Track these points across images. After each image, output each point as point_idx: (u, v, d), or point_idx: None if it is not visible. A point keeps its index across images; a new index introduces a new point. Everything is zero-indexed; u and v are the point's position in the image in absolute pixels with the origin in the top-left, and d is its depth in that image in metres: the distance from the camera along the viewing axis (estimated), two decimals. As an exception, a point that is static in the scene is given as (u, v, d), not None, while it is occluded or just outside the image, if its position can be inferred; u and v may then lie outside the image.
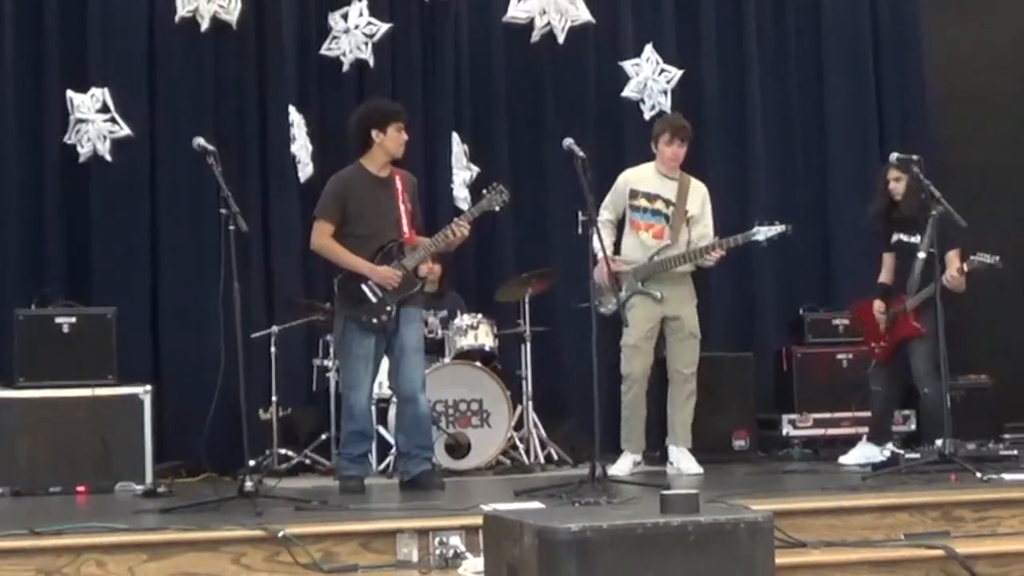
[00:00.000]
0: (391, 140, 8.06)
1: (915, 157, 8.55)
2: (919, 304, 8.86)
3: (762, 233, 8.85)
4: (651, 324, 8.79)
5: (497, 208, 8.45)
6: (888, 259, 9.32)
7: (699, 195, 9.03)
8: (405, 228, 8.10)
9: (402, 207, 8.10)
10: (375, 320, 7.96)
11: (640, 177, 8.96)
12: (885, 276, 9.33)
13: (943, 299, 8.56)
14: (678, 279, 8.88)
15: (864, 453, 9.11)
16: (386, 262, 8.01)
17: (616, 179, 9.09)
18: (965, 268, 8.73)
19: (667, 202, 8.89)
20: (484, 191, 8.43)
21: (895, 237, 9.16)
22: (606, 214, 8.92)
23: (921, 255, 8.64)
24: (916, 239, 8.81)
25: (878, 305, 9.24)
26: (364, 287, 7.96)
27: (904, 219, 8.93)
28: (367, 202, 8.04)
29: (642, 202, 8.87)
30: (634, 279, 8.61)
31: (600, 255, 8.42)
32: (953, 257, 8.84)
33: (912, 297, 8.93)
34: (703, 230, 8.94)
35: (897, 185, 9.06)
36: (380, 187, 8.09)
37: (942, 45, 11.94)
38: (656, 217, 8.89)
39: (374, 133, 8.06)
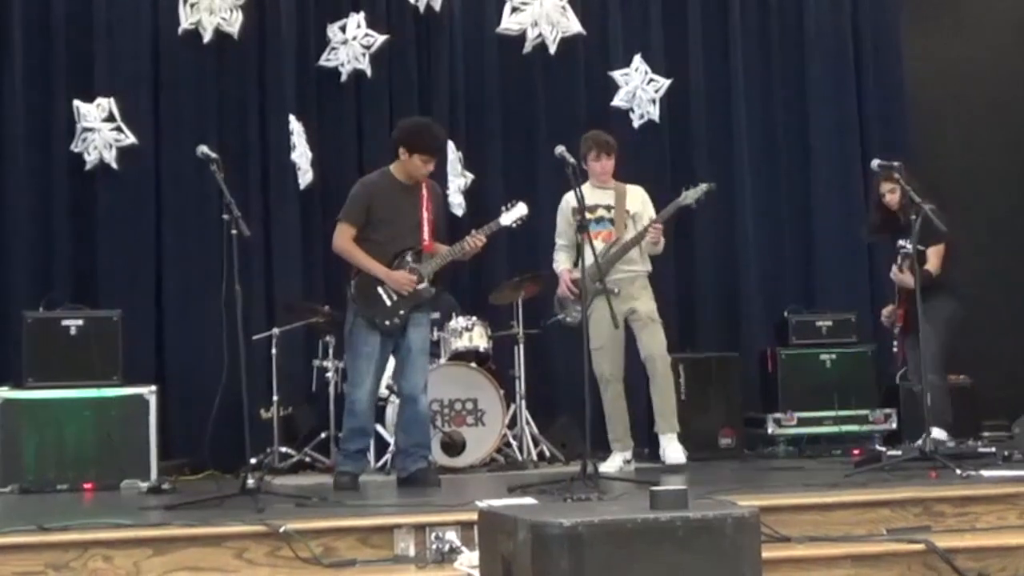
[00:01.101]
0: (413, 166, 8.07)
1: (896, 164, 8.57)
2: (909, 297, 8.93)
3: (690, 197, 8.95)
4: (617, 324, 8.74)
5: (514, 225, 8.48)
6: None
7: (638, 196, 9.09)
8: (426, 236, 8.11)
9: (425, 215, 8.11)
10: (387, 322, 7.98)
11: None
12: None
13: (937, 292, 8.73)
14: (631, 279, 8.88)
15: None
16: (403, 268, 8.02)
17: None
18: (899, 260, 8.84)
19: (607, 207, 8.95)
20: (503, 208, 8.46)
21: (900, 243, 9.17)
22: (561, 240, 9.00)
23: (907, 249, 8.67)
24: (907, 242, 8.87)
25: (885, 311, 9.32)
26: (380, 290, 7.98)
27: (903, 226, 8.92)
28: (391, 208, 8.05)
29: (585, 215, 8.87)
30: (591, 281, 8.55)
31: (559, 269, 8.71)
32: (932, 254, 8.91)
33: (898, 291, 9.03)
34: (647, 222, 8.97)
35: (892, 197, 9.11)
36: (406, 194, 8.11)
37: (921, 58, 11.99)
38: (601, 224, 8.93)
39: (402, 151, 8.08)
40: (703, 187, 8.96)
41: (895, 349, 9.47)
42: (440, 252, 8.16)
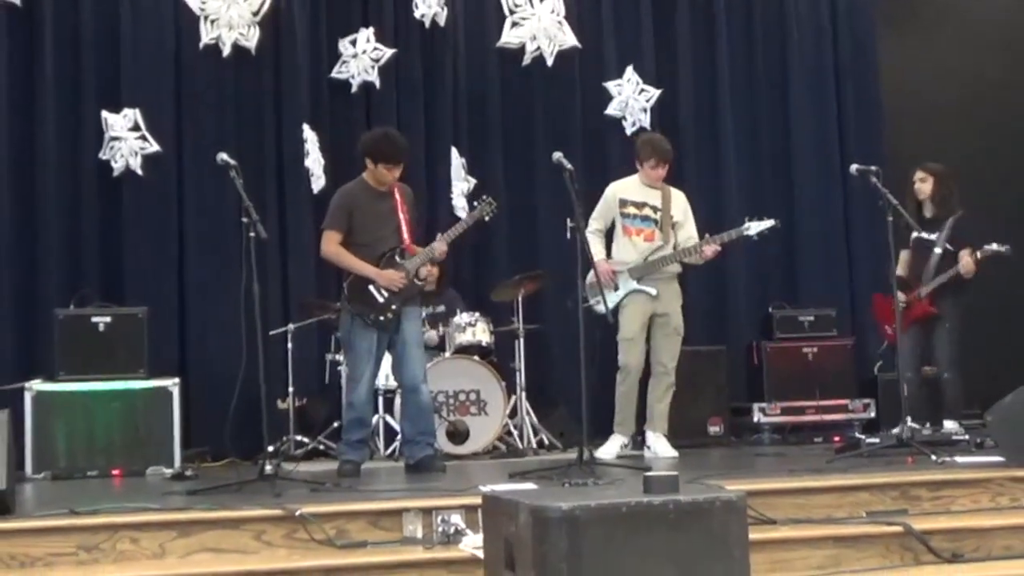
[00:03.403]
0: (379, 175, 8.04)
1: (874, 168, 8.56)
2: (934, 290, 9.11)
3: (753, 228, 8.82)
4: (644, 319, 8.80)
5: (487, 218, 8.51)
6: (904, 255, 9.44)
7: (681, 202, 9.05)
8: (406, 236, 8.10)
9: (402, 217, 8.11)
10: (381, 318, 7.95)
11: (626, 188, 8.97)
12: (901, 270, 9.41)
13: (961, 288, 9.04)
14: (668, 279, 8.89)
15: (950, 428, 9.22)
16: (390, 266, 8.01)
17: (603, 192, 9.08)
18: (979, 256, 8.94)
19: (654, 208, 8.90)
20: (475, 203, 8.48)
21: (914, 235, 9.18)
22: (596, 224, 8.95)
23: (937, 251, 8.74)
24: (934, 236, 8.91)
25: (900, 296, 9.36)
26: (371, 289, 7.96)
27: (926, 219, 8.92)
28: (370, 213, 8.04)
29: (631, 210, 8.87)
30: (630, 278, 8.60)
31: (599, 258, 8.49)
32: (965, 254, 8.98)
33: (926, 285, 9.07)
34: (688, 232, 8.98)
35: (923, 186, 9.14)
36: (381, 199, 8.10)
37: (895, 68, 12.01)
38: (646, 222, 8.90)
39: (368, 161, 8.08)
40: (768, 223, 8.82)
41: (889, 331, 9.49)
42: (420, 252, 8.16)
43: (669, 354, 8.90)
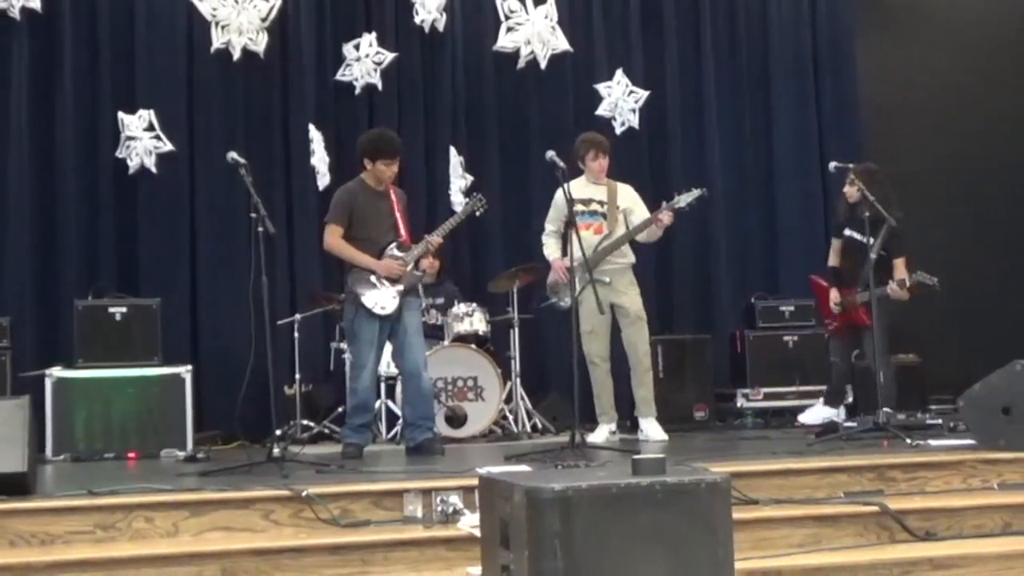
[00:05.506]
0: (378, 171, 8.04)
1: (851, 166, 8.56)
2: (867, 302, 8.87)
3: (683, 200, 8.73)
4: (603, 310, 8.71)
5: (478, 213, 8.51)
6: (836, 244, 9.34)
7: (627, 193, 8.98)
8: (403, 231, 8.09)
9: (399, 215, 8.11)
10: (384, 307, 7.93)
11: (573, 188, 8.83)
12: (834, 260, 9.36)
13: (891, 303, 8.75)
14: (620, 270, 8.78)
15: (820, 413, 9.37)
16: (389, 258, 8.01)
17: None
18: (907, 283, 8.72)
19: (600, 203, 8.84)
20: (467, 199, 8.48)
21: (847, 231, 9.13)
22: (551, 227, 8.88)
23: (872, 256, 8.50)
24: (867, 239, 8.74)
25: (834, 295, 9.25)
26: (373, 279, 7.94)
27: (857, 220, 8.82)
28: (369, 210, 8.04)
29: (579, 207, 8.70)
30: (583, 271, 8.53)
31: (552, 258, 8.61)
32: (899, 264, 8.87)
33: (861, 294, 8.92)
34: (641, 217, 8.85)
35: (851, 189, 8.96)
36: (379, 198, 8.10)
37: (874, 70, 12.00)
38: (593, 217, 8.82)
39: (366, 161, 8.07)
40: (695, 192, 8.75)
41: (829, 324, 9.46)
42: (417, 245, 8.15)
43: (636, 341, 8.77)
